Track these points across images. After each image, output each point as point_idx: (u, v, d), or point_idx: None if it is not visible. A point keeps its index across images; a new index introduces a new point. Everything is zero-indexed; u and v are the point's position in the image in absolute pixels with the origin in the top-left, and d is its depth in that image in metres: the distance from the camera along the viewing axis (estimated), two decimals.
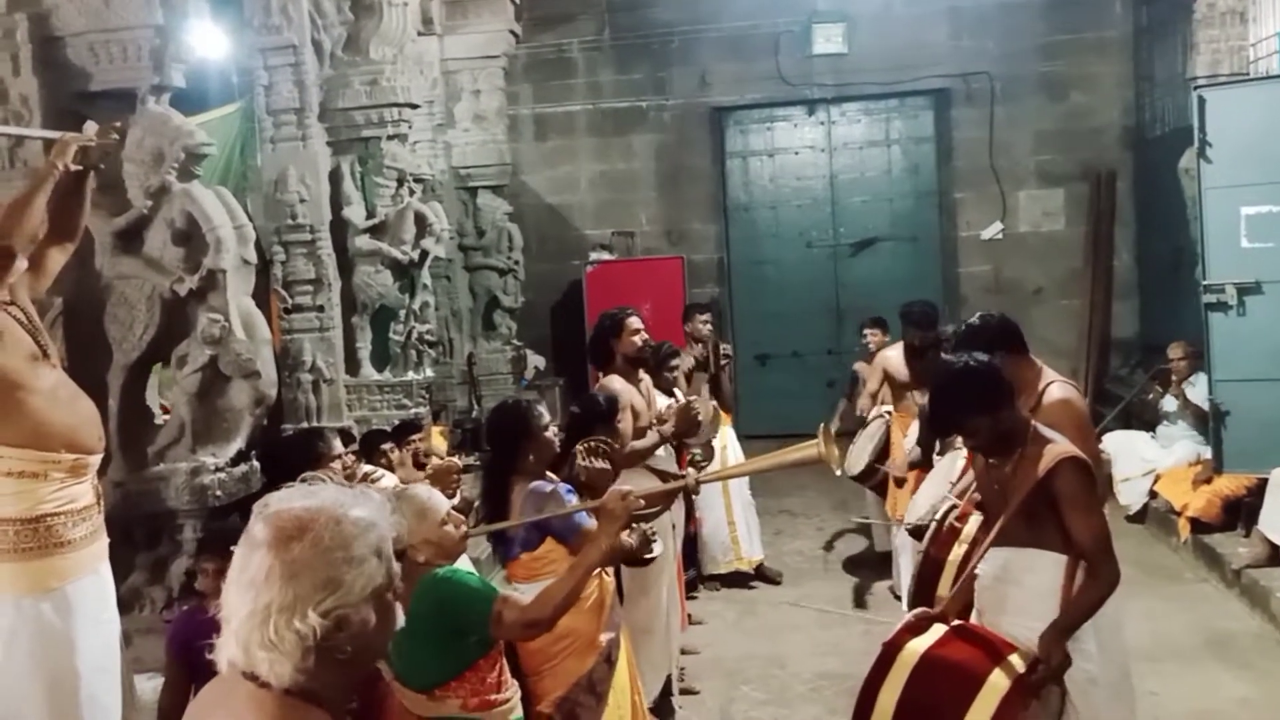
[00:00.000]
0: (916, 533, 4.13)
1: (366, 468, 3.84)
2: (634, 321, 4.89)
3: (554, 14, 10.65)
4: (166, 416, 4.87)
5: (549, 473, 3.58)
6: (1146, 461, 7.27)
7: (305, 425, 6.08)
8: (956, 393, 3.11)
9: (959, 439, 4.17)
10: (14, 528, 2.85)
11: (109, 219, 4.51)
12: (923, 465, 5.14)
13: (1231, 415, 6.16)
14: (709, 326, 6.76)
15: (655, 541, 4.05)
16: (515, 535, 3.43)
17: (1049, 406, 3.55)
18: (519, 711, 2.95)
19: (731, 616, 6.14)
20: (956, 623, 3.18)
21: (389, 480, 3.92)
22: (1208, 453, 6.63)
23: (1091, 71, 10.18)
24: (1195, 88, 6.41)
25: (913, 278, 10.57)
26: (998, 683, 2.89)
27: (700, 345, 6.63)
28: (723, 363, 6.55)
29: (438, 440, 7.03)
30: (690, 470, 4.28)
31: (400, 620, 1.61)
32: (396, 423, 6.34)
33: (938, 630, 3.14)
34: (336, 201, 6.85)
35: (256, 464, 4.55)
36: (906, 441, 5.79)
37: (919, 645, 3.08)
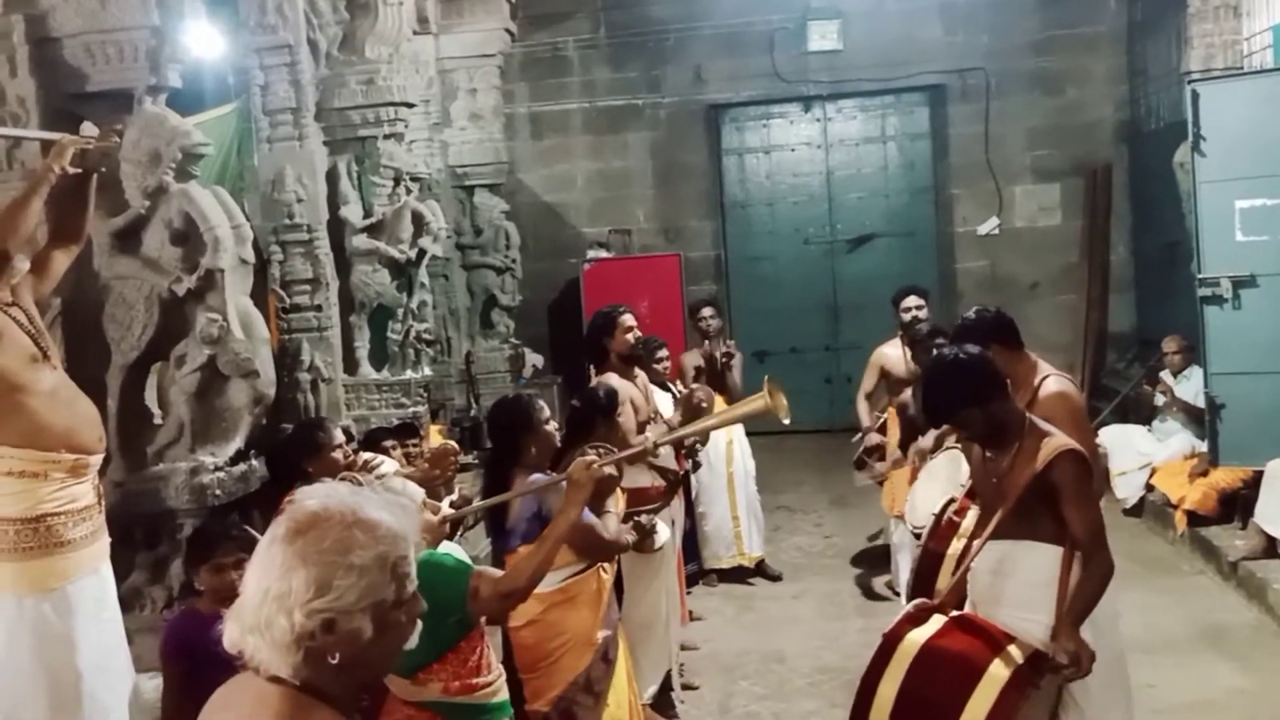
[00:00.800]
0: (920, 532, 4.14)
1: (366, 455, 3.85)
2: (627, 319, 4.92)
3: (549, 12, 10.66)
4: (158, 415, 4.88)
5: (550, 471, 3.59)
6: (1143, 455, 7.30)
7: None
8: (949, 384, 3.12)
9: (951, 437, 4.21)
10: (14, 527, 2.87)
11: (106, 219, 4.51)
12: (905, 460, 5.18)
13: (1227, 408, 6.18)
14: (717, 321, 6.77)
15: (657, 531, 4.07)
16: (514, 528, 3.44)
17: (1045, 400, 3.57)
18: (504, 695, 2.96)
19: (730, 612, 6.16)
20: (956, 613, 3.20)
21: (389, 466, 3.93)
22: (1203, 446, 6.66)
23: (1085, 66, 10.20)
24: (1189, 82, 6.44)
25: (909, 273, 10.48)
26: (997, 673, 2.90)
27: (708, 342, 6.67)
28: (725, 359, 6.57)
29: (436, 439, 7.04)
30: (647, 434, 4.30)
31: (413, 641, 1.59)
32: (396, 422, 6.36)
33: (937, 621, 3.16)
34: (333, 201, 6.87)
35: (255, 463, 4.56)
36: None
37: (919, 636, 3.10)
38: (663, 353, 5.86)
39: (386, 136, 7.00)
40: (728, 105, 10.95)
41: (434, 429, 7.17)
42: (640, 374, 5.10)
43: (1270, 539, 5.78)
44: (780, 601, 6.30)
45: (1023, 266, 10.40)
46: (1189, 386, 7.21)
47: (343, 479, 3.67)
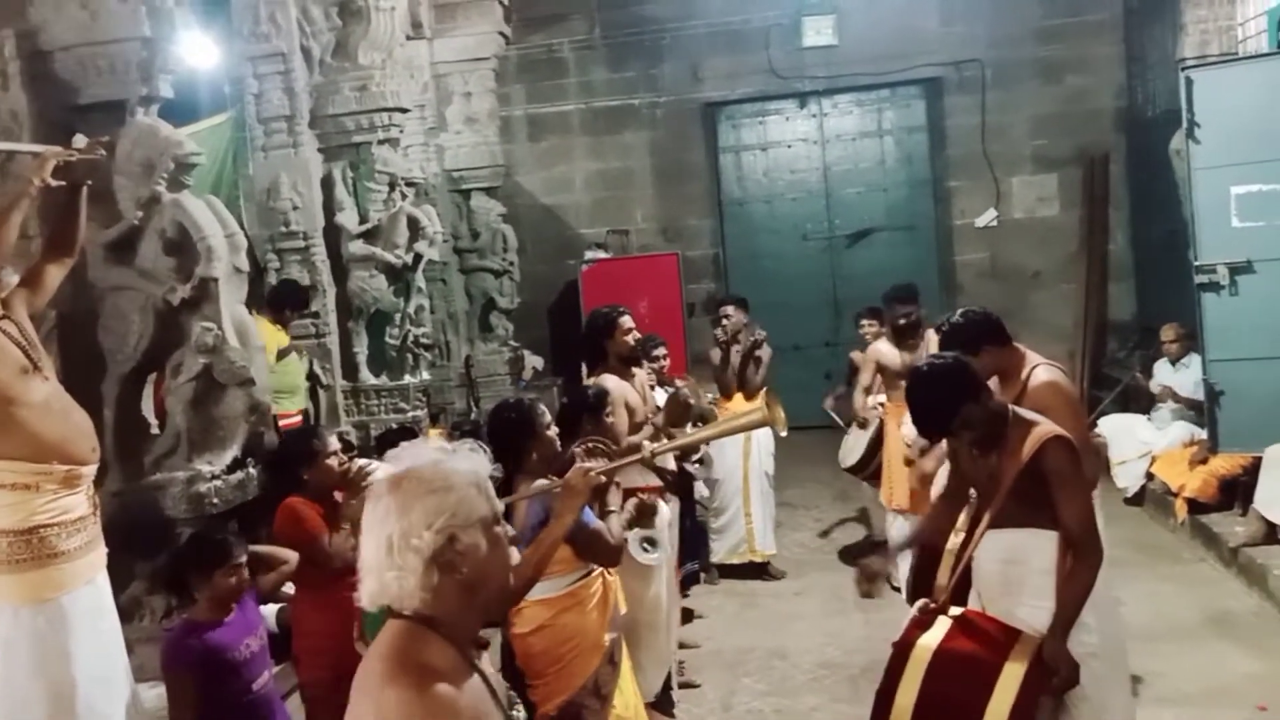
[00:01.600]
0: None
1: (360, 461, 3.86)
2: (627, 320, 4.91)
3: (544, 14, 10.67)
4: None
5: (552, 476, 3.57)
6: (1143, 444, 7.28)
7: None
8: (941, 389, 3.12)
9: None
10: (7, 539, 2.88)
11: (100, 230, 4.53)
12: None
13: (1226, 395, 6.17)
14: (738, 318, 6.78)
15: (659, 511, 4.05)
16: (521, 535, 3.45)
17: (1035, 390, 3.57)
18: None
19: (732, 609, 6.16)
20: (957, 612, 3.20)
21: (383, 471, 3.95)
22: (1203, 434, 6.65)
23: (1083, 55, 10.18)
24: (1183, 69, 6.41)
25: (909, 267, 10.53)
26: (1015, 669, 2.93)
27: (722, 332, 6.69)
28: (753, 346, 6.58)
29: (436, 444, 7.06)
30: (645, 442, 4.30)
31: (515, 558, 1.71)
32: (394, 426, 6.38)
33: (944, 624, 3.16)
34: (329, 208, 6.89)
35: (253, 471, 4.58)
36: (904, 429, 5.79)
37: (930, 641, 3.11)
38: (660, 350, 5.88)
39: (381, 142, 7.01)
40: (724, 103, 10.95)
41: (434, 433, 7.18)
42: (638, 373, 5.10)
43: (1271, 525, 5.77)
44: (782, 598, 6.30)
45: (1023, 257, 10.38)
46: (1188, 375, 7.19)
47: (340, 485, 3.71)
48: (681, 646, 5.25)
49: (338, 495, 3.72)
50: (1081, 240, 10.24)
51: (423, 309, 7.30)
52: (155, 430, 4.87)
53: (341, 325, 6.92)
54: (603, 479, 3.09)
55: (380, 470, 4.05)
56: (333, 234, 6.88)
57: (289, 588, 4.16)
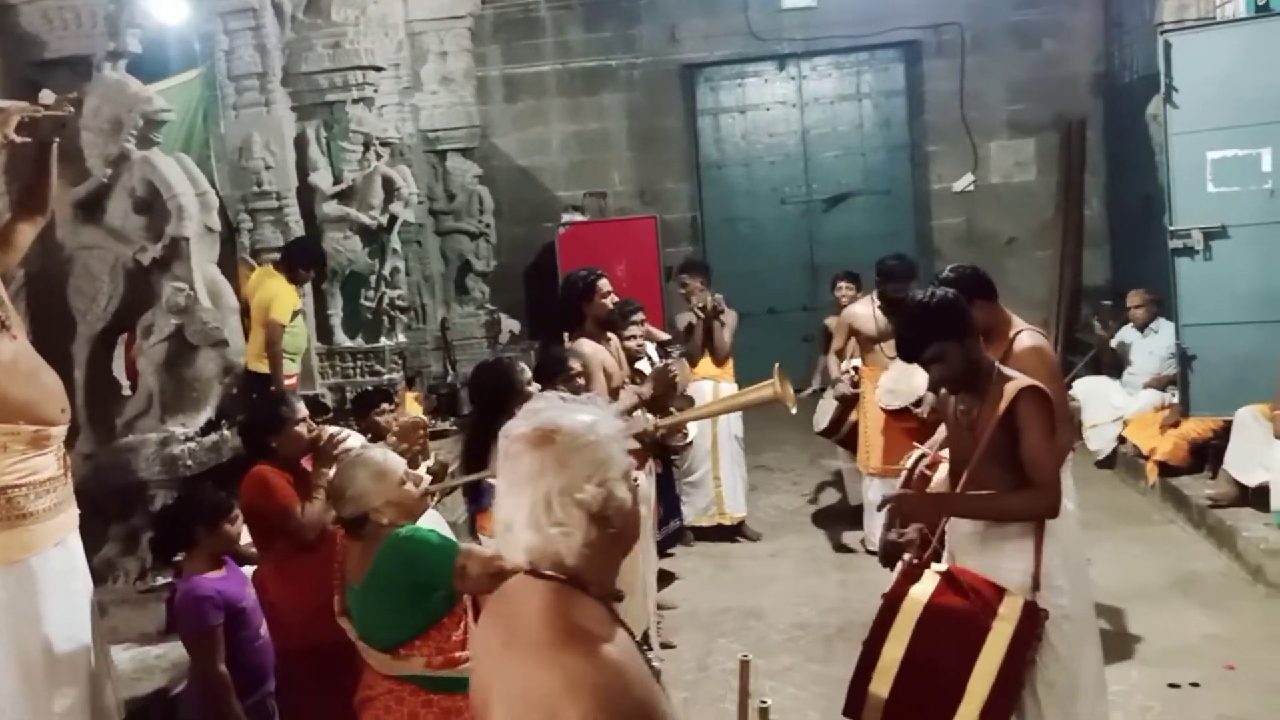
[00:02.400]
0: None
1: (331, 429, 3.82)
2: (604, 284, 4.89)
3: None
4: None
5: None
6: (1115, 408, 7.36)
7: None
8: (924, 320, 3.14)
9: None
10: None
11: (68, 189, 4.44)
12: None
13: (1198, 359, 6.23)
14: (697, 282, 6.75)
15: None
16: (491, 487, 3.42)
17: (1020, 354, 3.58)
18: None
19: (708, 571, 6.20)
20: (944, 568, 3.22)
21: (355, 440, 3.90)
22: (1173, 398, 6.72)
23: (1061, 19, 10.15)
24: (1162, 32, 6.40)
25: (886, 231, 10.57)
26: (1002, 631, 2.97)
27: (691, 299, 6.66)
28: (714, 311, 6.56)
29: (413, 406, 7.03)
30: (648, 416, 4.29)
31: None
32: (369, 389, 6.34)
33: (932, 579, 3.18)
34: (302, 168, 6.80)
35: (227, 433, 4.54)
36: (886, 380, 5.81)
37: (920, 595, 3.12)
38: (638, 316, 5.85)
39: (355, 101, 6.92)
40: (702, 65, 10.86)
41: (410, 396, 7.15)
42: (613, 338, 5.08)
43: (1241, 487, 5.85)
44: (758, 559, 6.34)
45: (999, 222, 10.40)
46: (1157, 340, 7.27)
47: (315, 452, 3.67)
48: (659, 608, 5.27)
49: (306, 463, 3.68)
50: (1057, 206, 10.27)
51: (398, 271, 7.25)
52: (127, 392, 4.82)
53: (315, 287, 6.85)
54: None
55: (353, 439, 4.02)
56: (306, 194, 6.79)
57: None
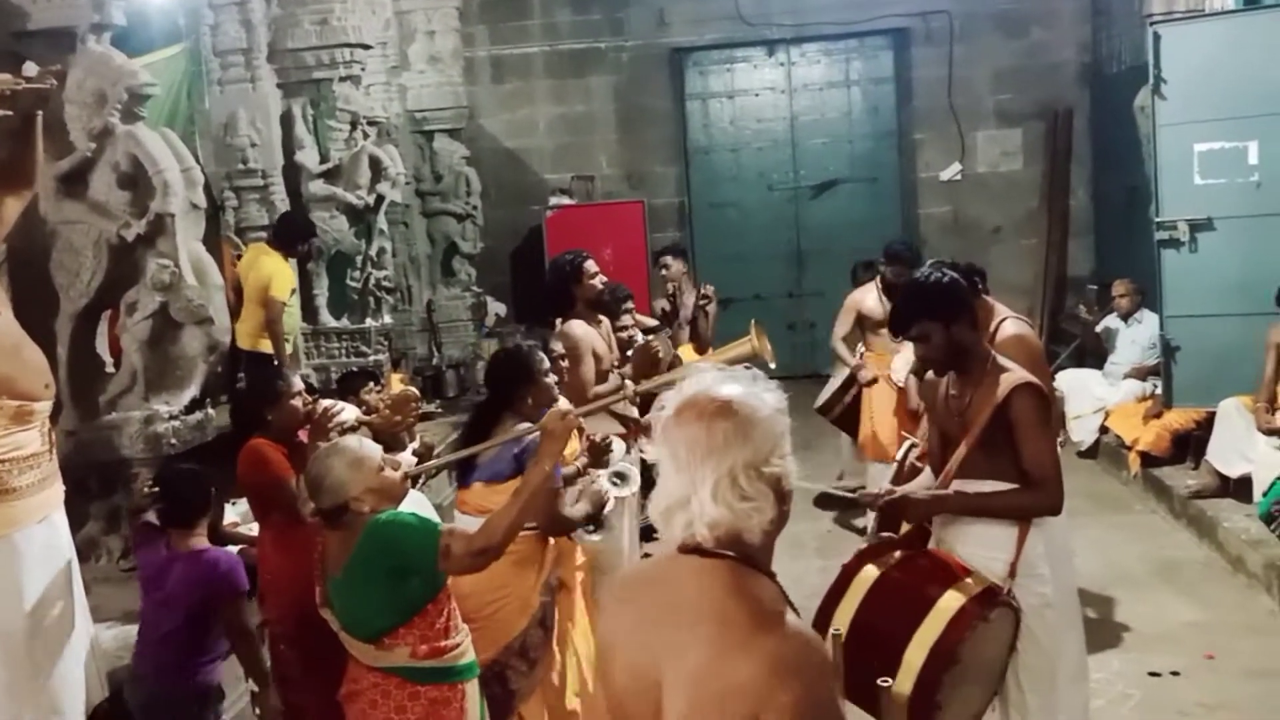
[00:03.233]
0: None
1: (326, 402, 3.80)
2: (591, 265, 4.87)
3: None
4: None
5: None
6: (1098, 399, 7.40)
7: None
8: (917, 297, 3.18)
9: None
10: None
11: (52, 162, 4.38)
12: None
13: (1182, 350, 6.26)
14: (678, 267, 6.75)
15: (612, 450, 4.03)
16: (486, 464, 3.39)
17: (1003, 343, 3.60)
18: (471, 656, 2.90)
19: None
20: (915, 550, 3.23)
21: (350, 413, 3.88)
22: (1155, 389, 6.77)
23: (1049, 8, 10.16)
24: (1151, 23, 6.41)
25: (873, 219, 10.59)
26: (948, 605, 2.93)
27: (672, 285, 6.65)
28: (703, 301, 6.56)
29: (398, 388, 6.99)
30: (628, 382, 4.27)
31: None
32: (355, 370, 6.30)
33: (895, 556, 3.19)
34: (288, 145, 6.74)
35: (211, 411, 4.51)
36: (899, 362, 5.81)
37: (875, 569, 3.13)
38: (630, 304, 5.82)
39: (342, 79, 6.86)
40: (691, 49, 10.82)
41: (395, 377, 7.12)
42: (604, 320, 5.07)
43: (1222, 478, 5.89)
44: None
45: (985, 211, 10.42)
46: (1140, 330, 7.31)
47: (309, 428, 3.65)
48: None
49: (302, 436, 3.67)
50: (1043, 195, 10.30)
51: (384, 251, 7.20)
52: (110, 369, 4.77)
53: (301, 267, 6.80)
54: (580, 421, 3.04)
55: (348, 412, 4.00)
56: (292, 173, 6.74)
57: (253, 529, 4.13)
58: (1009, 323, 3.69)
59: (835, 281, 7.41)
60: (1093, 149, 10.14)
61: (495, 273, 10.29)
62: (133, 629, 4.06)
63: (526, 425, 3.23)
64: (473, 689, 2.90)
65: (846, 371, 6.26)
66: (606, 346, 4.95)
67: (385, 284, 7.16)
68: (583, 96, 10.76)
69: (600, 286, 4.92)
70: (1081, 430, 7.45)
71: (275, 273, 6.02)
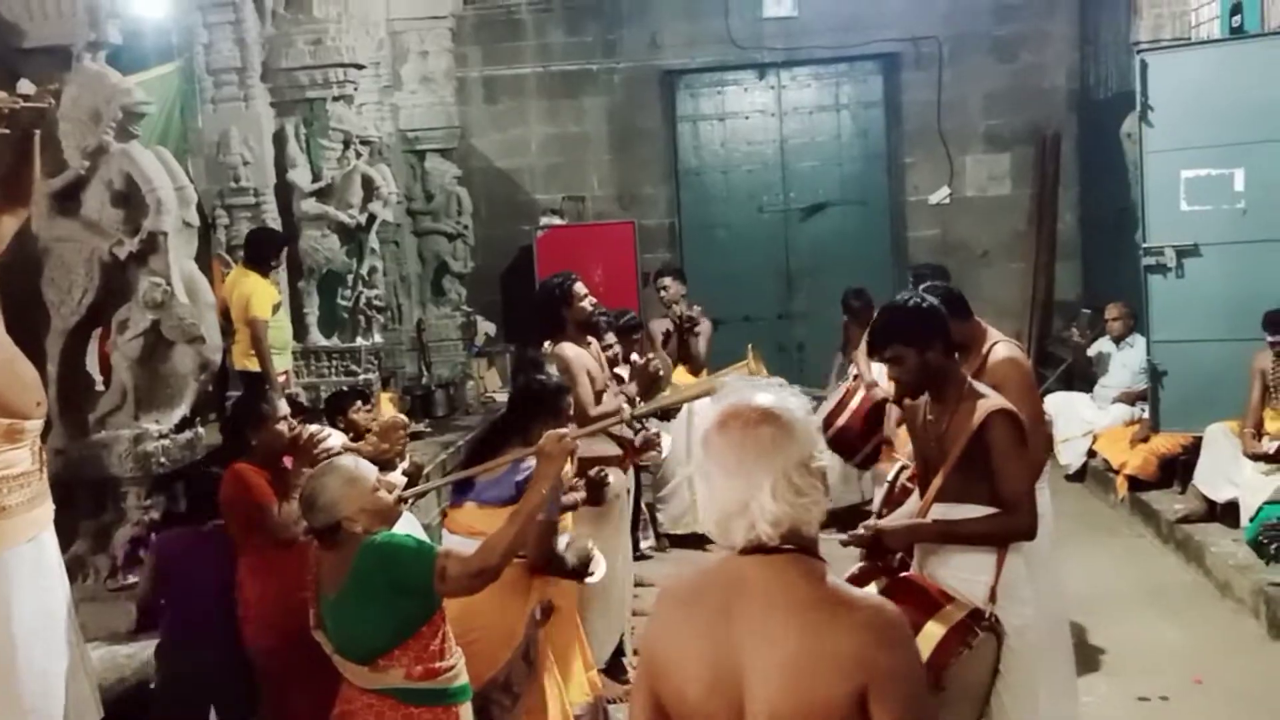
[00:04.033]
0: None
1: (313, 427, 3.79)
2: (580, 287, 4.87)
3: None
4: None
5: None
6: (1086, 422, 7.44)
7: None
8: (894, 320, 3.21)
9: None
10: None
11: (45, 179, 4.37)
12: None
13: (1169, 375, 6.31)
14: (676, 288, 6.76)
15: (608, 484, 4.04)
16: (483, 485, 3.38)
17: (995, 366, 3.62)
18: (464, 678, 2.89)
19: None
20: (900, 575, 3.24)
21: (336, 439, 3.87)
22: (1143, 413, 6.81)
23: (1038, 34, 10.26)
24: (1138, 51, 6.50)
25: (862, 242, 10.65)
26: (932, 631, 2.95)
27: (673, 307, 6.67)
28: (688, 324, 6.58)
29: (388, 407, 6.98)
30: (624, 405, 4.28)
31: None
32: (344, 389, 6.29)
33: (879, 584, 3.20)
34: (280, 164, 6.73)
35: (202, 430, 4.49)
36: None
37: None
38: (639, 335, 5.84)
39: (336, 98, 6.85)
40: (682, 71, 10.88)
41: (385, 397, 7.11)
42: (593, 341, 5.07)
43: (1209, 503, 5.92)
44: None
45: (973, 235, 10.48)
46: (1132, 354, 7.35)
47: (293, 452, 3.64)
48: (634, 615, 5.26)
49: (287, 462, 3.65)
50: (1030, 219, 10.37)
51: (376, 270, 7.18)
52: (100, 387, 4.75)
53: (292, 285, 6.79)
54: (576, 444, 3.04)
55: (334, 439, 3.98)
56: (284, 191, 6.72)
57: None
58: (1001, 346, 3.71)
59: (825, 303, 7.46)
60: (1080, 173, 10.23)
61: (485, 292, 10.29)
62: (120, 650, 4.06)
63: (526, 450, 3.24)
64: (466, 712, 2.89)
65: (841, 392, 6.28)
66: (599, 367, 4.96)
67: (376, 303, 7.14)
68: (574, 117, 10.80)
69: (590, 308, 4.92)
70: (1069, 453, 7.48)
71: (254, 291, 6.02)
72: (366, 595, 2.73)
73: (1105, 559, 6.00)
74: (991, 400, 3.12)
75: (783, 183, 11.03)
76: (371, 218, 6.97)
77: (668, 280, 6.89)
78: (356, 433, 4.62)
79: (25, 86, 3.28)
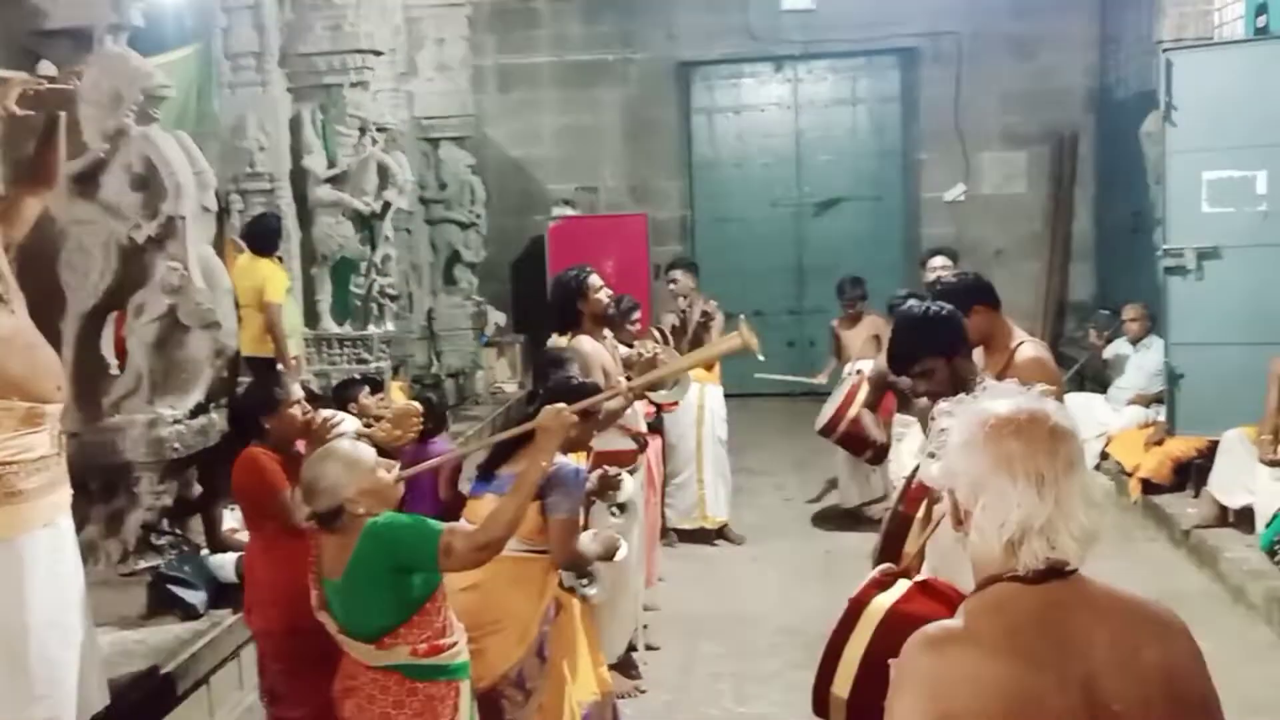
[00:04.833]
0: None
1: (326, 412, 3.76)
2: (595, 279, 4.84)
3: None
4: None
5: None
6: (1100, 424, 7.39)
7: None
8: (918, 333, 3.14)
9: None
10: None
11: (65, 162, 4.35)
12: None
13: (1186, 378, 6.27)
14: (687, 282, 6.73)
15: (623, 483, 4.04)
16: (506, 479, 3.37)
17: (1022, 364, 3.58)
18: (464, 656, 2.92)
19: (692, 574, 6.18)
20: (920, 578, 3.22)
21: (350, 425, 3.85)
22: (1158, 416, 6.76)
23: (1058, 32, 10.21)
24: (1163, 50, 6.43)
25: (875, 238, 10.62)
26: None
27: (683, 300, 6.64)
28: (704, 318, 6.55)
29: (397, 395, 6.96)
30: (621, 380, 4.26)
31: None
32: (355, 376, 6.27)
33: (902, 586, 3.17)
34: (296, 150, 6.72)
35: (215, 416, 4.47)
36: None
37: (885, 600, 3.10)
38: (637, 315, 5.83)
39: (353, 85, 6.84)
40: (699, 63, 10.85)
41: (395, 385, 7.09)
42: (608, 335, 5.05)
43: (1223, 508, 5.88)
44: (741, 564, 6.33)
45: (987, 233, 10.44)
46: (1149, 356, 7.30)
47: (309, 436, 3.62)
48: (645, 609, 5.25)
49: (300, 447, 3.64)
50: (1046, 219, 10.32)
51: (389, 258, 7.17)
52: (115, 371, 4.73)
53: (305, 271, 6.78)
54: (575, 418, 3.04)
55: (348, 423, 3.96)
56: (299, 177, 6.72)
57: (243, 535, 4.10)
58: (1028, 345, 3.67)
59: (837, 299, 7.43)
60: (1097, 173, 10.17)
61: (496, 282, 10.28)
62: (130, 635, 4.05)
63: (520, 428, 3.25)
64: (466, 688, 2.94)
65: (846, 389, 6.24)
66: (613, 361, 4.93)
67: (389, 291, 7.13)
68: (589, 108, 10.77)
69: (606, 301, 4.90)
70: None
71: (269, 277, 6.08)
72: (373, 576, 2.76)
73: (1118, 563, 5.94)
74: None
75: (797, 177, 10.99)
76: (386, 205, 6.96)
77: (678, 273, 6.85)
78: (367, 419, 4.60)
79: (46, 68, 3.26)
